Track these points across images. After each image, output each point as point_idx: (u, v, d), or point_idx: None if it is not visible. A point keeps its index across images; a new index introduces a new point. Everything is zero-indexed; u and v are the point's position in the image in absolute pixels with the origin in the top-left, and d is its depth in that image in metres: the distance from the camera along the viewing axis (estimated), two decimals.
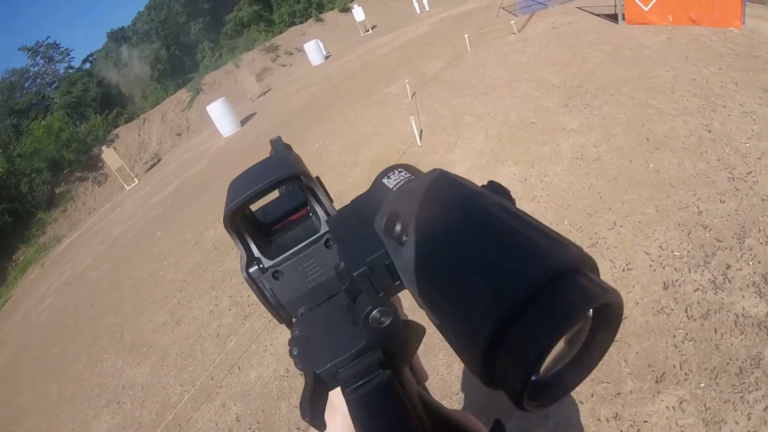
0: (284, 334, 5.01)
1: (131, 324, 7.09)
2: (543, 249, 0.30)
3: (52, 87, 47.32)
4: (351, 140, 9.29)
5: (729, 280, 3.68)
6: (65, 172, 23.49)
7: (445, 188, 0.41)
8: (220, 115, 17.88)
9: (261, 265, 0.67)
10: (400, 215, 0.41)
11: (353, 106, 11.52)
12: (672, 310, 3.61)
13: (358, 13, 27.34)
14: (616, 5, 10.08)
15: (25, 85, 46.81)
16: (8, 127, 36.97)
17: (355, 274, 0.44)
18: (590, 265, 0.30)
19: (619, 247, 4.30)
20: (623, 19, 9.90)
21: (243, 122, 18.59)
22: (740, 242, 4.04)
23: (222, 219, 0.64)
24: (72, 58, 67.06)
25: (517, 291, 0.28)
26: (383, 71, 14.02)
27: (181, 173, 15.95)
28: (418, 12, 27.19)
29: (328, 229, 0.67)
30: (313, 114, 13.14)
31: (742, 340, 3.25)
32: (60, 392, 6.71)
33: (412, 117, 7.86)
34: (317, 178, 0.69)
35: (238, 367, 5.00)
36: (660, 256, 4.06)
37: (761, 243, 4.00)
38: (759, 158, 5.23)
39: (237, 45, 43.95)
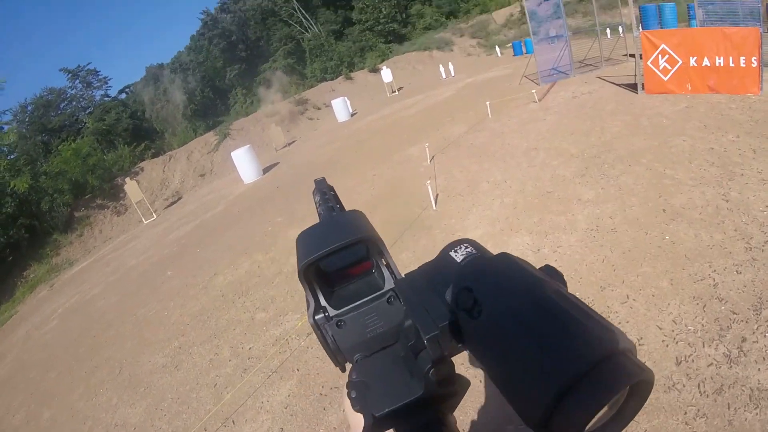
0: (281, 391, 5.13)
1: (131, 361, 7.20)
2: (594, 335, 0.40)
3: (86, 112, 49.88)
4: (368, 198, 9.75)
5: (744, 354, 3.72)
6: (87, 197, 24.64)
7: (514, 273, 0.49)
8: (243, 161, 18.76)
9: (327, 314, 0.75)
10: (474, 291, 0.49)
11: (374, 164, 12.04)
12: (684, 386, 3.66)
13: (386, 74, 28.90)
14: (636, 75, 10.52)
15: (61, 106, 49.21)
16: (38, 144, 39.25)
17: (427, 337, 0.52)
18: (630, 348, 0.40)
19: (632, 322, 4.38)
20: (643, 88, 10.32)
21: (265, 170, 19.37)
22: (757, 314, 4.09)
23: (297, 271, 0.75)
24: (109, 86, 71.36)
25: (575, 368, 0.38)
26: (406, 133, 14.76)
27: (199, 214, 16.56)
28: (444, 77, 28.69)
29: (392, 287, 0.76)
30: (334, 169, 13.78)
31: (756, 414, 3.28)
32: (52, 418, 6.78)
33: (429, 181, 8.27)
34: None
35: (233, 421, 5.04)
36: (673, 331, 4.13)
37: None
38: None
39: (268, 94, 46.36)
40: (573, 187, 7.01)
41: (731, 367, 3.64)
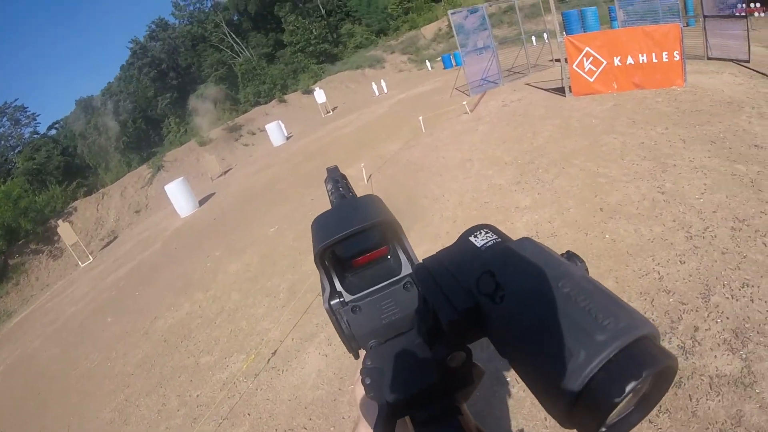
0: None
1: (79, 419, 6.71)
2: (621, 319, 0.39)
3: (15, 151, 48.10)
4: (307, 225, 9.12)
5: (699, 343, 3.76)
6: (20, 242, 23.20)
7: (538, 257, 0.48)
8: (178, 194, 18.25)
9: (342, 299, 0.77)
10: (496, 275, 0.49)
11: (311, 188, 11.84)
12: None
13: (320, 95, 29.09)
14: (562, 79, 10.79)
15: None
16: None
17: (447, 321, 0.51)
18: (655, 333, 0.39)
19: None
20: (570, 91, 10.60)
21: (202, 202, 18.88)
22: (706, 301, 4.17)
23: (312, 255, 0.73)
24: (38, 123, 68.86)
25: (604, 352, 0.37)
26: (342, 153, 14.76)
27: (136, 254, 15.93)
28: (377, 94, 29.16)
29: (409, 273, 0.77)
30: (271, 195, 13.56)
31: (719, 401, 3.29)
32: None
33: None
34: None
35: None
36: None
37: (727, 298, 4.15)
38: (714, 212, 5.55)
39: (202, 123, 45.66)
40: (510, 195, 7.04)
41: (687, 358, 3.66)
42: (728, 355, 3.56)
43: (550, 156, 7.82)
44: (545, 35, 20.52)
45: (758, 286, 4.28)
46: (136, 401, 6.35)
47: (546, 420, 3.55)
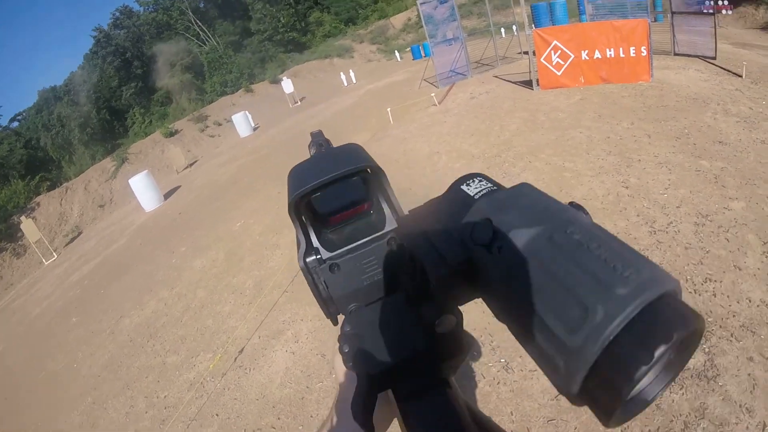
0: None
1: (47, 423, 6.56)
2: (639, 269, 0.33)
3: None
4: (274, 219, 9.34)
5: None
6: None
7: (539, 202, 0.43)
8: (142, 188, 17.85)
9: (319, 256, 0.70)
10: (493, 223, 0.43)
11: (278, 181, 11.64)
12: None
13: (287, 85, 28.73)
14: (530, 72, 10.84)
15: None
16: None
17: (436, 276, 0.46)
18: (678, 289, 0.33)
19: None
20: (538, 84, 10.66)
21: (167, 195, 18.50)
22: None
23: (287, 205, 0.67)
24: (0, 115, 66.34)
25: (627, 309, 0.31)
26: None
27: (101, 250, 15.57)
28: (346, 84, 29.12)
29: (393, 228, 0.70)
30: (237, 189, 13.33)
31: (683, 394, 3.34)
32: None
33: None
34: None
35: None
36: None
37: (690, 292, 4.25)
38: (678, 207, 5.67)
39: (167, 113, 45.05)
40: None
41: None
42: None
43: (517, 149, 7.85)
44: (514, 27, 20.70)
45: (720, 281, 4.39)
46: (104, 404, 6.24)
47: (550, 408, 3.56)
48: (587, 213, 0.44)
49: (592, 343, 0.31)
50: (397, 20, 47.36)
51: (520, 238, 0.39)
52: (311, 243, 0.71)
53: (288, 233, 8.21)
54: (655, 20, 20.14)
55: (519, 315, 0.38)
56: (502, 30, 25.97)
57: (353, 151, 0.75)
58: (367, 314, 0.65)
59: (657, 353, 0.30)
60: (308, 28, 56.12)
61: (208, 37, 55.44)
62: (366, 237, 0.71)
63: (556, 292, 0.35)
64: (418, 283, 0.51)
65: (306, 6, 57.98)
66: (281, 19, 53.43)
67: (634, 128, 7.85)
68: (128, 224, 17.32)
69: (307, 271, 0.69)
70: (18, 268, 21.39)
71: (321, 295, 0.69)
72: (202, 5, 58.98)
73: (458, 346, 0.58)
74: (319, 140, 1.07)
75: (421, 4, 15.13)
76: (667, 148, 7.11)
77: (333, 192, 0.68)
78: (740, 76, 10.99)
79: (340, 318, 0.70)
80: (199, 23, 55.23)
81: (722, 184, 6.13)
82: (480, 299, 0.46)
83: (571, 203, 0.45)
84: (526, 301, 0.37)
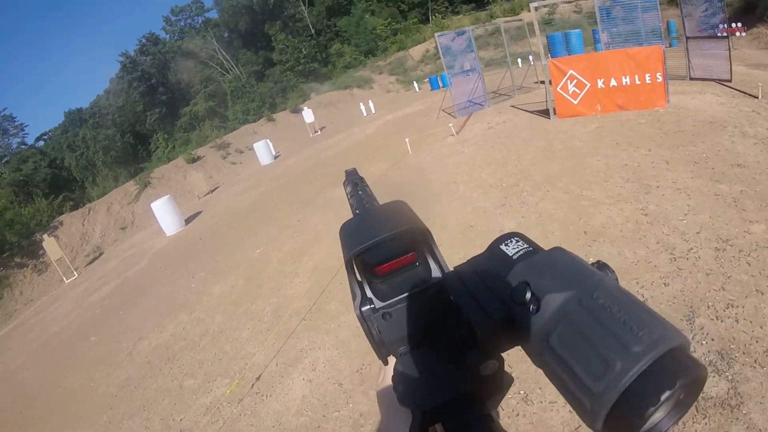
0: None
1: None
2: (655, 328, 0.40)
3: (2, 161, 47.68)
4: (293, 246, 9.48)
5: None
6: (5, 255, 22.77)
7: (571, 267, 0.50)
8: (164, 212, 18.11)
9: (372, 305, 0.75)
10: (531, 285, 0.49)
11: (298, 209, 11.84)
12: None
13: (308, 114, 29.29)
14: (547, 101, 10.95)
15: None
16: None
17: (481, 331, 0.53)
18: (686, 343, 0.41)
19: None
20: (554, 113, 10.77)
21: (188, 220, 18.74)
22: (690, 323, 4.21)
23: (343, 261, 0.72)
24: (26, 134, 68.18)
25: (640, 363, 0.39)
26: (329, 174, 14.71)
27: (121, 271, 15.77)
28: (365, 114, 29.58)
29: (439, 280, 0.75)
30: (257, 216, 13.51)
31: (706, 424, 3.31)
32: None
33: None
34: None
35: None
36: None
37: (712, 319, 4.19)
38: (698, 233, 5.62)
39: (190, 139, 45.90)
40: (494, 219, 7.10)
41: None
42: (714, 377, 3.58)
43: (534, 178, 7.92)
44: (530, 57, 20.85)
45: (743, 306, 4.32)
46: (120, 423, 6.30)
47: None
48: (612, 271, 0.51)
49: (611, 389, 0.39)
50: (416, 52, 47.98)
51: (554, 300, 0.47)
52: (365, 294, 0.77)
53: (307, 260, 8.30)
54: (670, 46, 20.16)
55: (553, 364, 0.46)
56: (519, 60, 26.15)
57: (402, 210, 0.81)
58: (418, 357, 0.72)
59: (663, 397, 0.38)
60: (329, 59, 57.43)
61: (232, 66, 56.95)
62: (414, 288, 0.77)
63: (584, 348, 0.43)
64: (464, 332, 0.60)
65: (327, 38, 59.69)
66: (303, 50, 54.58)
67: (651, 155, 7.86)
68: (149, 247, 17.58)
69: (363, 319, 0.75)
70: (38, 284, 21.64)
71: (375, 339, 0.75)
72: (226, 35, 60.83)
73: (500, 386, 0.66)
74: (354, 179, 1.18)
75: (438, 36, 15.43)
76: (685, 173, 7.08)
77: (384, 246, 0.73)
78: (756, 98, 10.91)
79: (390, 359, 0.77)
80: (223, 52, 56.88)
81: (742, 207, 6.07)
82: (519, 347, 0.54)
83: (597, 262, 0.53)
84: (559, 353, 0.45)
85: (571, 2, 30.92)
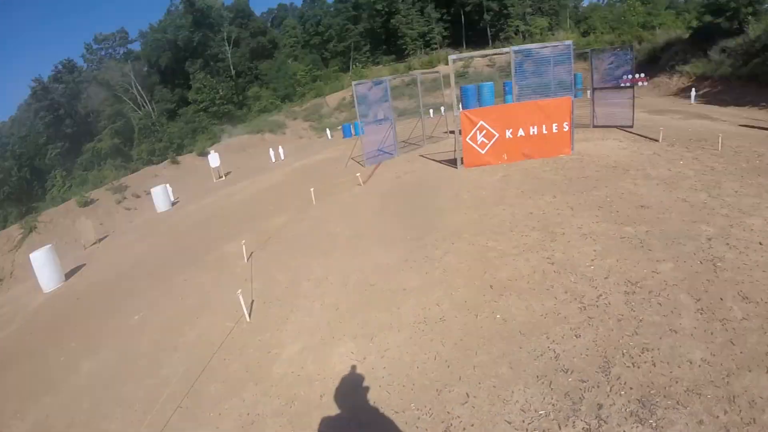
0: None
1: None
2: None
3: None
4: (176, 311, 8.31)
5: (605, 421, 3.51)
6: None
7: None
8: (42, 265, 15.73)
9: None
10: None
11: (186, 266, 10.73)
12: None
13: (214, 159, 28.31)
14: (455, 151, 10.83)
15: None
16: None
17: None
18: None
19: (477, 424, 3.88)
20: (462, 163, 10.70)
21: (69, 275, 16.47)
22: (606, 374, 3.96)
23: None
24: None
25: None
26: (226, 225, 13.69)
27: None
28: (273, 160, 29.15)
29: None
30: (141, 273, 12.06)
31: None
32: None
33: (241, 290, 7.15)
34: None
35: None
36: (524, 421, 3.74)
37: (628, 366, 3.99)
38: (606, 278, 5.45)
39: (87, 179, 42.78)
40: (397, 276, 6.62)
41: None
42: (638, 427, 3.39)
43: (440, 231, 7.63)
44: (443, 108, 21.20)
45: (658, 349, 4.18)
46: None
47: None
48: None
49: None
50: (333, 99, 48.97)
51: None
52: None
53: (189, 330, 7.37)
54: (575, 96, 21.26)
55: None
56: (431, 111, 26.70)
57: None
58: None
59: None
60: (245, 102, 57.10)
61: (145, 102, 55.34)
62: None
63: None
64: None
65: (246, 80, 59.61)
66: (219, 90, 54.10)
67: (556, 201, 7.83)
68: (23, 306, 15.40)
69: None
70: None
71: None
72: (146, 69, 59.36)
73: None
74: None
75: (356, 84, 15.32)
76: (590, 218, 7.05)
77: None
78: (657, 141, 11.33)
79: None
80: (138, 87, 55.25)
81: (648, 248, 6.05)
82: None
83: None
84: None
85: (487, 56, 32.35)
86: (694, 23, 30.06)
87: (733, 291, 5.15)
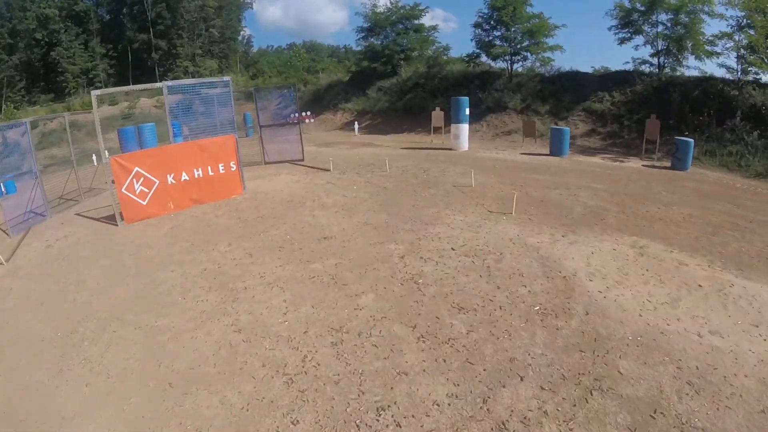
0: None
1: None
2: None
3: None
4: None
5: None
6: None
7: None
8: None
9: None
10: None
11: None
12: None
13: None
14: (114, 205, 9.04)
15: None
16: None
17: None
18: None
19: None
20: (122, 218, 9.04)
21: None
22: None
23: None
24: None
25: None
26: None
27: None
28: None
29: None
30: None
31: None
32: None
33: None
34: None
35: None
36: None
37: None
38: (306, 332, 4.78)
39: None
40: (47, 401, 4.49)
41: None
42: None
43: (98, 315, 5.77)
44: (93, 156, 18.58)
45: (395, 402, 3.68)
46: None
47: None
48: None
49: None
50: None
51: None
52: None
53: None
54: (247, 135, 21.43)
55: None
56: (94, 157, 23.41)
57: None
58: None
59: None
60: None
61: None
62: None
63: None
64: None
65: None
66: None
67: (233, 250, 6.97)
68: None
69: None
70: None
71: None
72: None
73: None
74: None
75: None
76: (273, 262, 6.40)
77: None
78: (329, 170, 11.48)
79: None
80: None
81: (342, 282, 5.65)
82: None
83: None
84: None
85: (130, 93, 29.85)
86: (353, 68, 33.94)
87: (445, 305, 4.98)
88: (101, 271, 6.99)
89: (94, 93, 9.36)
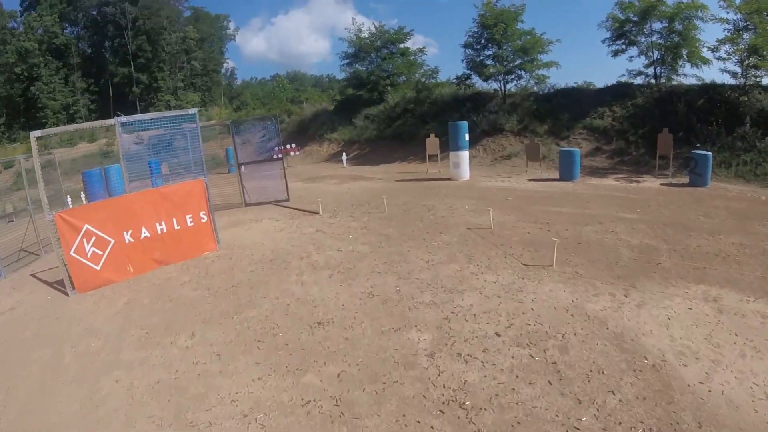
0: None
1: None
2: None
3: None
4: None
5: None
6: None
7: None
8: None
9: None
10: None
11: None
12: None
13: None
14: (62, 270, 7.44)
15: None
16: None
17: None
18: None
19: None
20: (73, 287, 7.36)
21: None
22: None
23: None
24: None
25: None
26: None
27: None
28: None
29: None
30: None
31: None
32: None
33: None
34: None
35: None
36: None
37: None
38: None
39: None
40: None
41: None
42: None
43: None
44: (69, 200, 16.92)
45: None
46: None
47: None
48: None
49: None
50: None
51: None
52: None
53: None
54: (229, 172, 19.85)
55: None
56: (69, 199, 21.70)
57: None
58: None
59: None
60: None
61: None
62: None
63: None
64: None
65: None
66: None
67: (195, 345, 5.22)
68: None
69: None
70: None
71: None
72: None
73: None
74: None
75: None
76: (248, 371, 4.59)
77: None
78: (318, 213, 10.05)
79: None
80: None
81: (351, 412, 3.82)
82: None
83: None
84: None
85: (110, 128, 28.19)
86: (338, 97, 32.73)
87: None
88: (37, 372, 5.10)
89: (34, 134, 7.66)
